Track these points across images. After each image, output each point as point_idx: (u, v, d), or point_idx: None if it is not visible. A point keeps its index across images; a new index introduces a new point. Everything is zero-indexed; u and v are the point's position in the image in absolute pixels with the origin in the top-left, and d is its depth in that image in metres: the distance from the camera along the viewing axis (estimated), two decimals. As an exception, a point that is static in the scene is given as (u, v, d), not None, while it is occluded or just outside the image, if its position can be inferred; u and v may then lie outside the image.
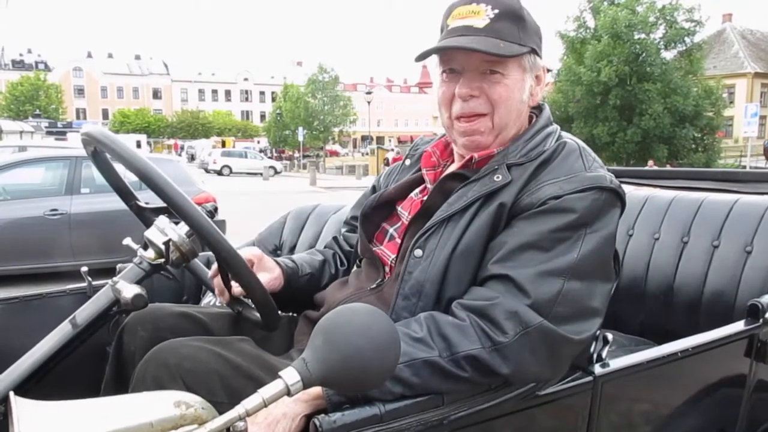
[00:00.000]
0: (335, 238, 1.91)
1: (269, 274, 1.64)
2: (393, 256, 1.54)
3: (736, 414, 1.83)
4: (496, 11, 1.42)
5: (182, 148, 58.80)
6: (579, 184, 1.35)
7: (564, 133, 1.54)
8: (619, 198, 1.41)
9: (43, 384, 1.32)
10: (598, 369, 1.45)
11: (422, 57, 1.48)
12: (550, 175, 1.39)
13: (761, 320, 1.72)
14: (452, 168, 1.59)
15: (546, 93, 1.63)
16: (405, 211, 1.61)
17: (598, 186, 1.36)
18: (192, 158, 48.35)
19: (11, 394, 0.82)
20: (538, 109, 1.57)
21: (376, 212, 1.66)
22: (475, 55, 1.40)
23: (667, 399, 1.68)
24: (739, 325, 1.73)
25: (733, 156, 37.19)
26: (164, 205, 1.34)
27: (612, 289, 1.42)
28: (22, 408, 0.81)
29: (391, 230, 1.62)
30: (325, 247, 1.92)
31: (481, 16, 1.42)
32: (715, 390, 1.76)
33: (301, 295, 1.70)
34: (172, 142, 66.63)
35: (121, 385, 1.51)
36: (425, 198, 1.58)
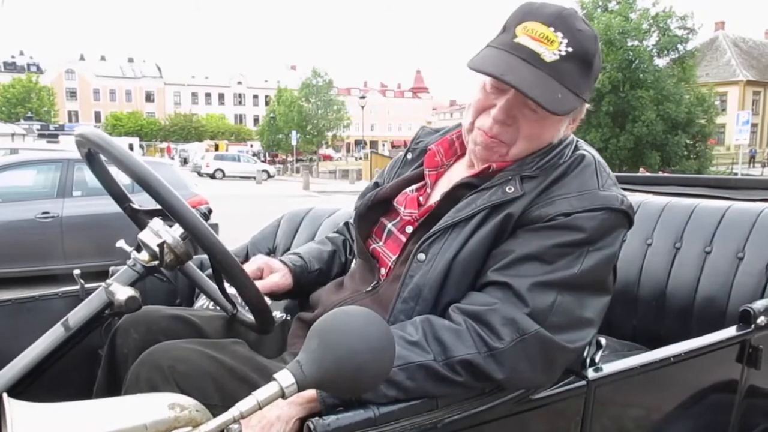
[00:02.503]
0: (347, 224, 1.90)
1: (278, 274, 1.65)
2: (394, 257, 1.53)
3: (727, 419, 1.84)
4: (570, 50, 1.33)
5: (175, 150, 58.72)
6: (590, 203, 1.34)
7: (581, 143, 1.51)
8: (627, 218, 1.40)
9: (35, 387, 1.31)
10: (591, 373, 1.45)
11: (477, 71, 1.37)
12: (563, 189, 1.37)
13: (753, 326, 1.73)
14: (458, 170, 1.57)
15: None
16: (400, 206, 1.59)
17: (609, 207, 1.34)
18: (185, 162, 48.30)
19: (5, 395, 0.81)
20: None
21: (372, 210, 1.65)
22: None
23: (659, 404, 1.68)
24: (730, 331, 1.74)
25: (724, 163, 37.41)
26: (158, 207, 1.34)
27: (608, 302, 1.42)
28: (15, 409, 0.80)
29: (389, 225, 1.60)
30: (336, 232, 1.92)
31: (553, 49, 1.33)
32: (707, 395, 1.77)
33: (310, 290, 1.71)
34: (164, 145, 66.50)
35: (113, 388, 1.50)
36: (420, 196, 1.58)
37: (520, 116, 1.40)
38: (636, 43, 29.49)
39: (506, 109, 1.39)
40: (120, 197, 1.56)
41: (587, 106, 1.49)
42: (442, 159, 1.62)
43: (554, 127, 1.44)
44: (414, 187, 1.63)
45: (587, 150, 1.48)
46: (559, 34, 1.33)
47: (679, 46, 30.26)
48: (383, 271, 1.54)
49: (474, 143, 1.48)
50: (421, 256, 1.39)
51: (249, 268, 1.62)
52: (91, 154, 1.43)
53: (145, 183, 1.23)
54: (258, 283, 1.50)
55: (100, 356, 1.59)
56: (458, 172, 1.57)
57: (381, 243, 1.59)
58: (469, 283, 1.37)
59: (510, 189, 1.38)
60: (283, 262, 1.69)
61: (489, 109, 1.42)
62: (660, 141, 28.95)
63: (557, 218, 1.32)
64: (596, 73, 1.43)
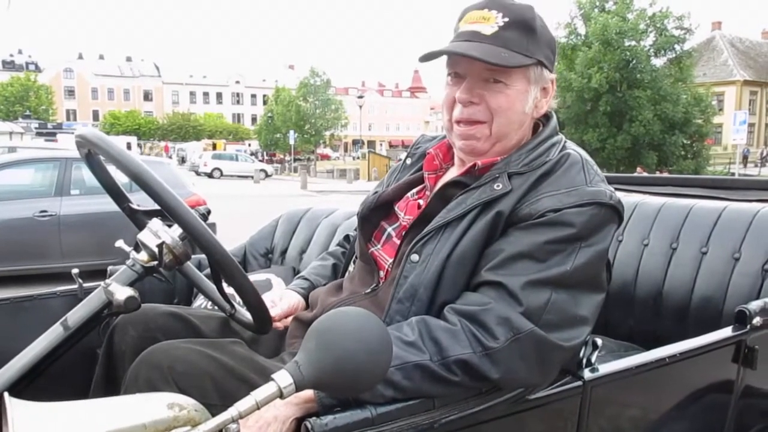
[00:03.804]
0: (347, 236, 1.95)
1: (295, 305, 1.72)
2: (390, 260, 1.54)
3: (723, 419, 1.84)
4: (506, 20, 1.41)
5: (173, 149, 58.69)
6: (579, 199, 1.35)
7: (569, 143, 1.53)
8: (617, 214, 1.42)
9: (33, 386, 1.31)
10: (587, 374, 1.46)
11: (426, 58, 1.46)
12: (551, 186, 1.39)
13: (749, 326, 1.73)
14: (453, 173, 1.59)
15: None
16: (401, 211, 1.61)
17: (597, 202, 1.36)
18: (183, 160, 48.23)
19: (6, 394, 0.82)
20: (545, 118, 1.56)
21: (374, 213, 1.66)
22: (478, 62, 1.39)
23: (655, 404, 1.69)
24: (726, 331, 1.74)
25: (722, 163, 37.45)
26: (157, 207, 1.34)
27: (602, 300, 1.43)
28: (16, 409, 0.81)
29: (389, 229, 1.61)
30: (337, 245, 1.98)
31: (490, 23, 1.41)
32: (703, 395, 1.77)
33: None
34: (162, 144, 66.37)
35: (110, 386, 1.51)
36: (420, 200, 1.59)
37: (484, 92, 1.45)
38: (633, 43, 29.56)
39: (468, 89, 1.45)
40: (119, 197, 1.56)
41: (553, 75, 1.53)
42: (440, 162, 1.63)
43: (521, 97, 1.46)
44: (414, 191, 1.64)
45: (574, 149, 1.51)
46: (494, 11, 1.43)
47: (676, 46, 30.36)
48: (381, 274, 1.55)
49: (457, 138, 1.51)
50: (415, 257, 1.41)
51: (281, 310, 1.67)
52: (91, 155, 1.44)
53: (143, 183, 1.24)
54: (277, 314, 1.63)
55: (98, 355, 1.59)
56: (452, 174, 1.58)
57: (379, 246, 1.60)
58: (463, 282, 1.38)
59: (498, 186, 1.40)
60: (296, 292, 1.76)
61: (456, 98, 1.48)
62: (657, 141, 29.04)
63: (546, 215, 1.34)
64: (546, 39, 1.48)
